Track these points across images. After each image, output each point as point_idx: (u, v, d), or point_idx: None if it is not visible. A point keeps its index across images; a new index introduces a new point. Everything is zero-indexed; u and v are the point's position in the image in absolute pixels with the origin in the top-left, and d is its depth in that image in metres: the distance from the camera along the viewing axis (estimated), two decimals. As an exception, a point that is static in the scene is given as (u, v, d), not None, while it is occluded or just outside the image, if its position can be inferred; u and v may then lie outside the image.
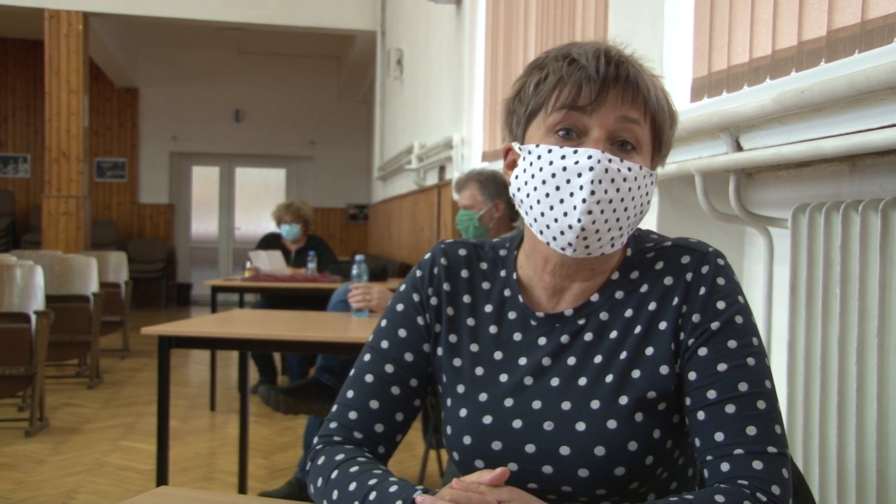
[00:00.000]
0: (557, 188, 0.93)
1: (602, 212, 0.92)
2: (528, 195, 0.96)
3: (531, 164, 0.96)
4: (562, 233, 0.94)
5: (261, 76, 11.24)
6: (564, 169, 0.92)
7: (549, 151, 0.94)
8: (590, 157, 0.91)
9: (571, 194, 0.92)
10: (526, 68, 1.00)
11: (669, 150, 1.02)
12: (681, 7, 2.18)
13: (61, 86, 7.58)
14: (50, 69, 7.58)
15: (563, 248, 0.95)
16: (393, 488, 0.91)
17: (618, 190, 0.92)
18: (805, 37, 1.62)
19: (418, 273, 1.08)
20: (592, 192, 0.91)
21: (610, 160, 0.92)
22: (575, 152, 0.92)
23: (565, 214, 0.93)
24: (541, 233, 0.96)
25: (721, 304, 0.95)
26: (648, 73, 0.98)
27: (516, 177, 0.99)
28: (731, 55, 1.91)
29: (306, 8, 7.98)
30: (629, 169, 0.93)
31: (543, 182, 0.94)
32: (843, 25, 1.50)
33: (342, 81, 11.20)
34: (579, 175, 0.92)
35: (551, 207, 0.94)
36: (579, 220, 0.92)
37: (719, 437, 0.90)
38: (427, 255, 1.09)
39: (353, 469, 0.96)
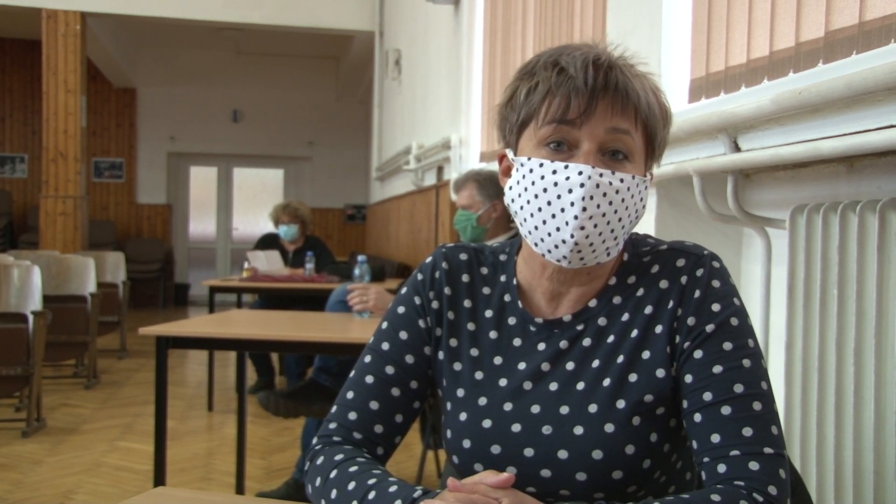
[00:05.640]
0: (549, 203, 0.93)
1: (595, 226, 0.92)
2: (521, 207, 0.97)
3: (524, 176, 0.96)
4: (556, 246, 0.94)
5: (259, 77, 11.23)
6: (556, 184, 0.93)
7: (541, 165, 0.94)
8: (580, 174, 0.91)
9: (563, 210, 0.92)
10: (517, 73, 0.99)
11: (664, 150, 1.01)
12: (679, 8, 2.18)
13: (59, 86, 7.57)
14: (47, 69, 7.57)
15: (558, 261, 0.96)
16: (392, 488, 0.91)
17: (610, 203, 0.92)
18: (803, 38, 1.62)
19: (420, 276, 1.09)
20: (584, 209, 0.91)
21: (601, 175, 0.92)
22: (566, 167, 0.92)
23: (558, 229, 0.93)
24: (536, 245, 0.97)
25: (716, 307, 0.95)
26: (639, 73, 0.97)
27: (510, 188, 0.99)
28: (728, 56, 1.91)
29: (304, 8, 7.98)
30: (621, 180, 0.93)
31: (536, 196, 0.94)
32: (840, 26, 1.50)
33: (340, 82, 11.19)
34: (570, 191, 0.92)
35: (544, 221, 0.94)
36: (572, 236, 0.92)
37: (716, 438, 0.91)
38: (428, 259, 1.10)
39: (353, 469, 0.96)
